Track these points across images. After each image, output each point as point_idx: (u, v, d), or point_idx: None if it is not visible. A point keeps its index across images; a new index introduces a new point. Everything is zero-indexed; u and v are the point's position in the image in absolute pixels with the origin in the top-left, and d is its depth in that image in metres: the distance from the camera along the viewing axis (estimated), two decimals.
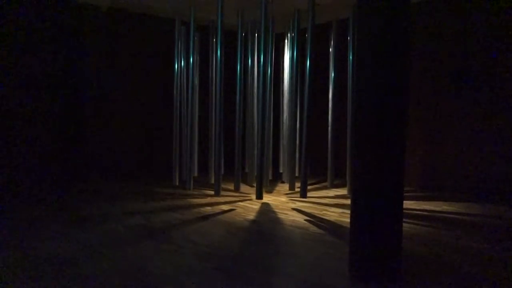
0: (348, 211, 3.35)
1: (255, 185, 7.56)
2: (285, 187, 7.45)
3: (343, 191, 6.96)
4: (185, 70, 7.25)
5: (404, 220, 3.11)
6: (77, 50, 7.61)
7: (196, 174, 7.44)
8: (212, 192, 6.53)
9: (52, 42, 7.31)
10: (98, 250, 3.72)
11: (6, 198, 6.05)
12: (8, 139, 6.88)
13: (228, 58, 6.87)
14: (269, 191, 6.98)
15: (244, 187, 7.26)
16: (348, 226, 3.23)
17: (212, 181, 7.15)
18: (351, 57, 6.77)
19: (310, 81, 6.28)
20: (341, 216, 5.17)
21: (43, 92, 7.25)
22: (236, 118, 6.80)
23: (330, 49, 7.26)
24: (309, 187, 6.75)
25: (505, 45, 6.41)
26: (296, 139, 6.83)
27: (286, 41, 7.63)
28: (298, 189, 6.76)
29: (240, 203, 6.01)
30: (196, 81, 7.43)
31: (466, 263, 3.46)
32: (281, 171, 7.87)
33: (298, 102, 7.10)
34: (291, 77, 6.95)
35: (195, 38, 7.04)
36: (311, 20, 6.21)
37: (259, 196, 6.09)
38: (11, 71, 6.90)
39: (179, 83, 7.32)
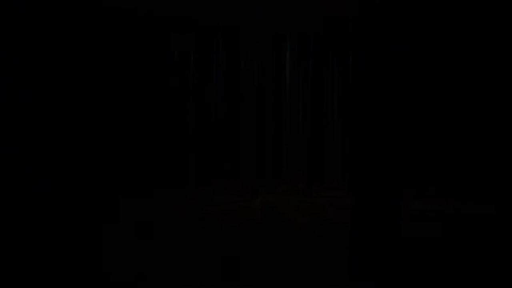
0: (348, 211, 3.35)
1: (254, 184, 7.57)
2: (286, 186, 7.43)
3: (343, 191, 6.93)
4: (187, 70, 7.24)
5: (404, 220, 3.10)
6: (78, 50, 7.59)
7: (197, 173, 7.41)
8: (214, 192, 6.51)
9: (52, 42, 7.30)
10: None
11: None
12: (7, 138, 6.87)
13: (229, 58, 6.84)
14: (269, 191, 6.96)
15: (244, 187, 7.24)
16: (348, 226, 3.23)
17: (214, 181, 7.13)
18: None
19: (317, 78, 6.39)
20: (342, 216, 5.16)
21: (42, 92, 7.23)
22: (238, 117, 6.80)
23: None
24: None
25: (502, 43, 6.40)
26: (301, 138, 6.81)
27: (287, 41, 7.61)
28: (300, 189, 6.75)
29: (240, 203, 6.00)
30: (198, 81, 7.41)
31: (466, 263, 3.45)
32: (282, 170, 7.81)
33: (303, 101, 7.09)
34: (293, 75, 6.92)
35: (196, 38, 7.02)
36: (317, 18, 6.26)
37: (255, 195, 6.09)
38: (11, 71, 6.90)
39: (181, 83, 7.32)
